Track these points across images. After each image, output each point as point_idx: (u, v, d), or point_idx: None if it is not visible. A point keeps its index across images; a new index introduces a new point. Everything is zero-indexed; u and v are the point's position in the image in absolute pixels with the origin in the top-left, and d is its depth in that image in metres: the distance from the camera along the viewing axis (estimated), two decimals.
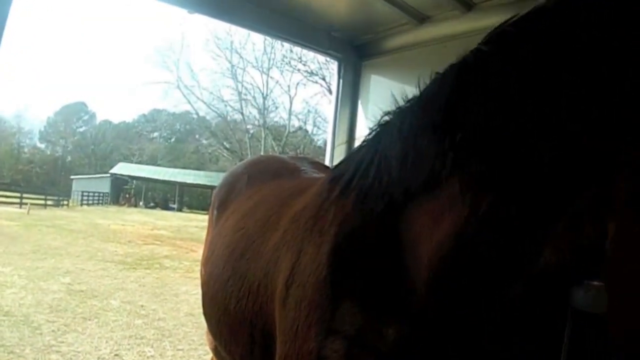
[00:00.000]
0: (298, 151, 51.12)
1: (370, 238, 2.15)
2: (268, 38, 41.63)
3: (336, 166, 2.93)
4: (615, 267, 1.61)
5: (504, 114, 1.72)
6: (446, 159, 1.86)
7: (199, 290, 4.23)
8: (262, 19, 5.45)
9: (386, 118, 2.39)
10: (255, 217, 3.49)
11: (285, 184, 3.91)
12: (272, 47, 56.41)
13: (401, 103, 2.30)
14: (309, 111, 64.23)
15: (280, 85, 65.17)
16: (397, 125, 2.23)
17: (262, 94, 60.91)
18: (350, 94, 6.43)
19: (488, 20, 4.49)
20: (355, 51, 6.39)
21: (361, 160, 2.40)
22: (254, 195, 3.96)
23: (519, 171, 1.67)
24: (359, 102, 6.44)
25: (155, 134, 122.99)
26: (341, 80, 6.43)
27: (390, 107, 2.34)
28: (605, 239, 1.60)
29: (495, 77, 1.79)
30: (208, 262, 3.95)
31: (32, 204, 49.86)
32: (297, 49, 44.98)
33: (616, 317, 1.61)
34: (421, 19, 5.41)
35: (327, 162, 6.28)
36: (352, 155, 2.69)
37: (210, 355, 4.82)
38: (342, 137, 6.41)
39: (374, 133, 2.44)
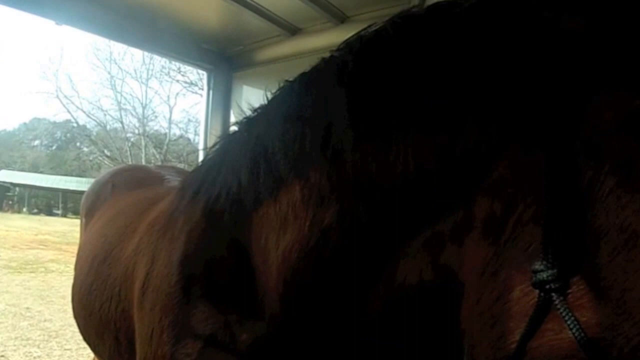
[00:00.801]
0: (181, 158, 50.37)
1: (219, 245, 2.19)
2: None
3: (189, 174, 3.01)
4: (467, 295, 1.41)
5: (354, 121, 1.66)
6: (288, 166, 1.86)
7: None
8: (128, 30, 5.47)
9: (234, 128, 2.45)
10: (116, 224, 3.55)
11: (146, 192, 4.00)
12: (151, 59, 55.24)
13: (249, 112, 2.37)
14: (189, 120, 63.16)
15: (159, 95, 64.33)
16: (245, 134, 2.27)
17: (142, 103, 59.66)
18: (222, 104, 6.50)
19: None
20: (226, 62, 6.42)
21: (209, 169, 2.45)
22: (117, 203, 4.06)
23: (369, 183, 1.60)
24: (231, 111, 6.52)
25: (37, 142, 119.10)
26: (211, 91, 6.47)
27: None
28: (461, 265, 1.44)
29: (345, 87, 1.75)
30: (76, 268, 4.00)
31: None
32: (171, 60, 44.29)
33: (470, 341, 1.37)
34: (293, 31, 5.50)
35: None
36: (202, 164, 2.69)
37: None
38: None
39: (221, 142, 2.51)
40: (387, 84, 1.61)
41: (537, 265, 1.14)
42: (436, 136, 1.44)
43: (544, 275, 1.12)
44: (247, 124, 2.33)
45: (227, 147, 2.43)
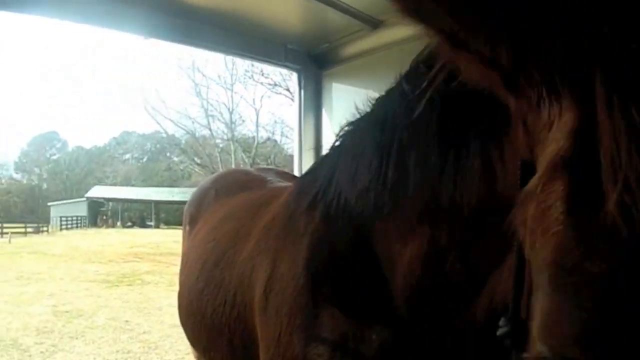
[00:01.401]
0: (269, 161, 50.73)
1: (341, 249, 2.18)
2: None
3: (302, 177, 3.03)
4: None
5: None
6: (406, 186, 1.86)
7: None
8: (216, 38, 5.51)
9: (346, 129, 2.39)
10: (226, 228, 3.54)
11: (252, 195, 3.94)
12: (234, 63, 55.85)
13: (363, 110, 2.30)
14: (275, 122, 63.27)
15: (245, 99, 65.06)
16: (358, 144, 2.21)
17: (228, 108, 60.28)
18: (314, 103, 6.44)
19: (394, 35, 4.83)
20: (313, 61, 6.37)
21: (324, 175, 2.42)
22: (222, 207, 4.03)
23: (478, 207, 1.62)
24: (323, 109, 6.45)
25: (127, 156, 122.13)
26: (302, 91, 6.42)
27: (352, 115, 2.34)
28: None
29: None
30: (182, 274, 4.02)
31: (12, 232, 49.42)
32: (258, 64, 44.70)
33: None
34: (374, 24, 5.37)
35: (296, 170, 6.31)
36: (316, 168, 2.71)
37: None
38: (309, 145, 6.40)
39: (335, 144, 2.46)
40: None
41: None
42: None
43: None
44: (358, 132, 2.27)
45: (340, 153, 2.38)
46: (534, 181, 1.07)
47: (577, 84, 0.96)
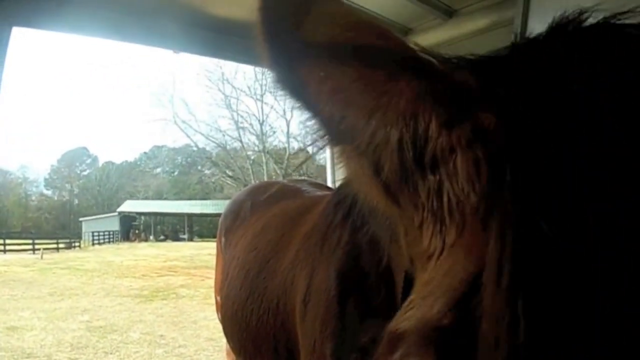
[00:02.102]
0: (301, 172, 51.10)
1: (370, 264, 2.18)
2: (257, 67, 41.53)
3: (341, 186, 2.95)
4: None
5: None
6: None
7: (217, 315, 4.41)
8: (245, 50, 5.23)
9: None
10: (266, 238, 3.56)
11: (289, 204, 3.96)
12: (263, 74, 56.46)
13: None
14: (307, 132, 64.52)
15: (275, 110, 65.32)
16: None
17: (259, 120, 60.82)
18: None
19: (469, 26, 4.71)
20: None
21: None
22: (261, 218, 4.02)
23: None
24: None
25: (158, 170, 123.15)
26: None
27: None
28: None
29: None
30: (224, 285, 4.01)
31: (44, 248, 49.66)
32: None
33: None
34: (404, 31, 5.42)
35: (328, 181, 6.35)
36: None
37: None
38: None
39: None
40: None
41: None
42: None
43: None
44: None
45: None
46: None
47: (474, 221, 0.82)
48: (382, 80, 0.87)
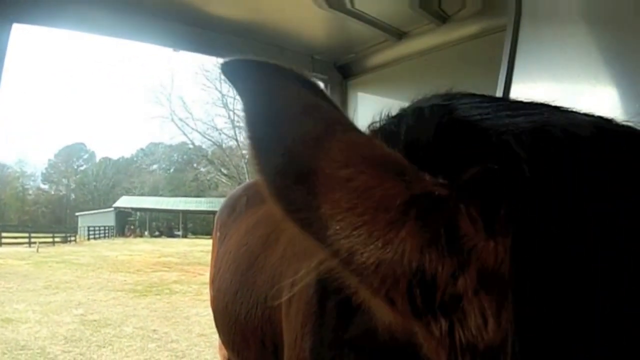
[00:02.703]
0: None
1: None
2: None
3: None
4: None
5: None
6: None
7: (210, 311, 4.43)
8: (244, 49, 5.33)
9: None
10: (257, 233, 3.63)
11: None
12: None
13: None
14: None
15: None
16: None
17: None
18: None
19: (462, 31, 4.74)
20: (339, 71, 6.41)
21: None
22: (254, 214, 4.07)
23: None
24: None
25: (155, 166, 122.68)
26: None
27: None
28: None
29: None
30: (216, 278, 4.10)
31: (40, 242, 49.62)
32: None
33: None
34: (399, 35, 5.41)
35: None
36: None
37: None
38: None
39: None
40: None
41: None
42: None
43: None
44: None
45: None
46: None
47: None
48: (383, 227, 0.87)
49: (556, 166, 0.91)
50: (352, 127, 1.00)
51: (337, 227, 0.89)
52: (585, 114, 1.21)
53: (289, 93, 1.02)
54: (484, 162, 0.95)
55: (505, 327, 0.82)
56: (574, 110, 1.24)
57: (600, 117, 1.17)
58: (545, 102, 1.29)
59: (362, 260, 0.87)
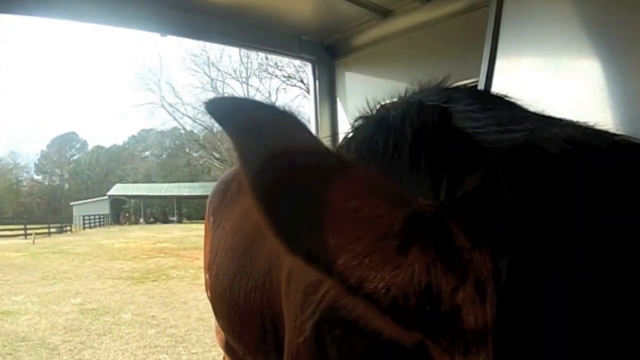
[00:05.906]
0: None
1: None
2: (242, 49, 41.49)
3: None
4: None
5: None
6: None
7: (207, 294, 4.54)
8: (232, 32, 5.51)
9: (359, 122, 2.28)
10: (252, 218, 3.66)
11: None
12: (248, 57, 56.19)
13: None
14: None
15: (260, 92, 65.04)
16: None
17: None
18: (328, 93, 6.47)
19: (446, 8, 4.71)
20: (326, 52, 6.40)
21: None
22: (247, 198, 4.12)
23: None
24: (337, 98, 6.47)
25: (147, 153, 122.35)
26: (317, 81, 6.45)
27: (364, 105, 2.23)
28: None
29: None
30: (212, 264, 4.12)
31: (36, 233, 49.64)
32: (273, 56, 45.10)
33: None
34: (384, 13, 5.36)
35: None
36: None
37: (223, 355, 5.03)
38: (326, 133, 6.36)
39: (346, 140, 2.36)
40: None
41: None
42: None
43: None
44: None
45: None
46: None
47: None
48: (392, 253, 0.91)
49: (530, 187, 0.99)
50: (344, 158, 1.07)
51: (347, 257, 0.91)
52: (566, 124, 1.30)
53: (280, 128, 1.05)
54: (472, 181, 1.05)
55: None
56: (554, 118, 1.36)
57: (578, 127, 1.27)
58: (534, 110, 1.47)
59: (372, 286, 0.91)
